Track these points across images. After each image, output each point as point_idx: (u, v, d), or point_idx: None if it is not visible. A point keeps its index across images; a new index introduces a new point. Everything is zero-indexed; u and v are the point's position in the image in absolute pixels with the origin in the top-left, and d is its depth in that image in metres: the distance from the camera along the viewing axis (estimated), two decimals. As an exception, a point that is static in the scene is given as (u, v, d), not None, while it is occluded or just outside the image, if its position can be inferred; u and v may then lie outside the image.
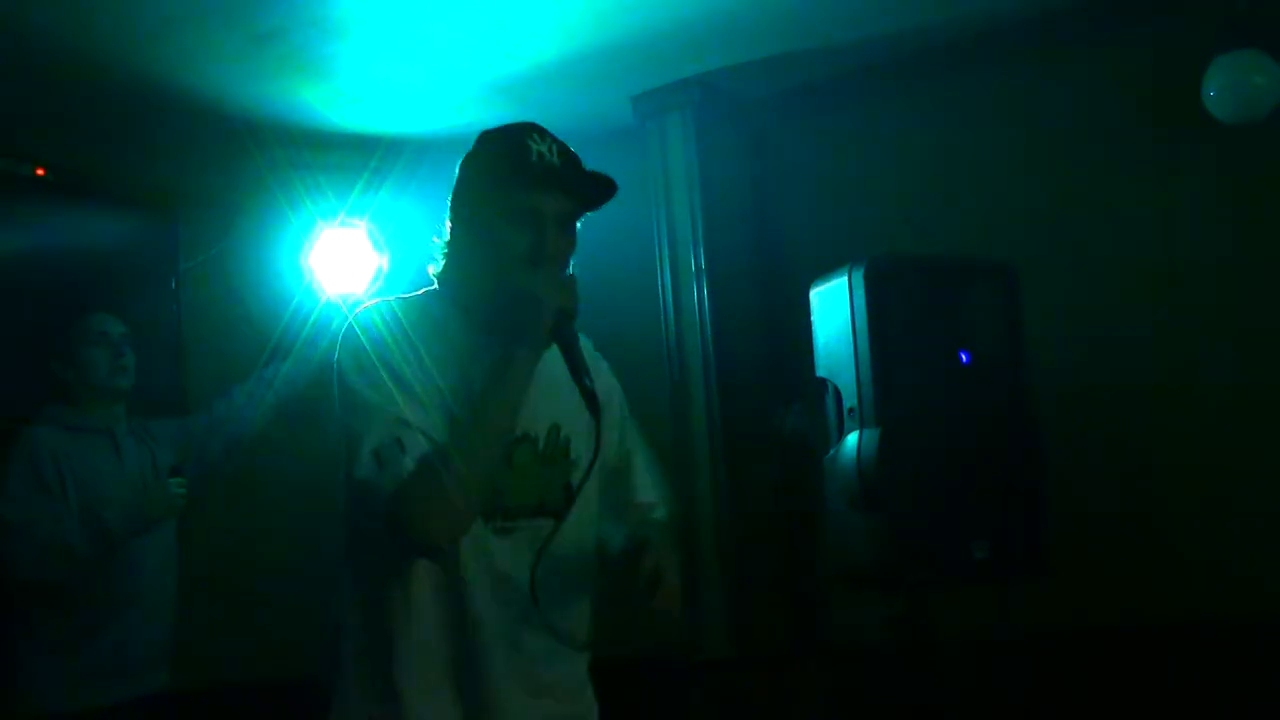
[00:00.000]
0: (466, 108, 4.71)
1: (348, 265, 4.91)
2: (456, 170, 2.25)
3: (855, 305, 3.39)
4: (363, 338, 2.11)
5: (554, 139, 2.19)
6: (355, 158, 4.99)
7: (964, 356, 3.45)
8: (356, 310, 2.17)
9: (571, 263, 2.22)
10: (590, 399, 2.09)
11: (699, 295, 4.62)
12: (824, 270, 3.55)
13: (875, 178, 4.55)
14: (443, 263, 2.26)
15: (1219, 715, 3.76)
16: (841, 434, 3.42)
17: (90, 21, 3.90)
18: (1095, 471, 3.95)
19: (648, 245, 4.72)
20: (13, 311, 4.50)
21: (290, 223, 4.88)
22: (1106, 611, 3.95)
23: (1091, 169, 4.16)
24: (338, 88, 4.48)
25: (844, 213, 4.57)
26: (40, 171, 4.76)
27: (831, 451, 3.44)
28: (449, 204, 2.25)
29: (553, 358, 2.13)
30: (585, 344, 2.23)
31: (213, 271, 5.06)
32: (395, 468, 2.00)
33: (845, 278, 3.43)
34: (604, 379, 2.37)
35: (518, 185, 2.13)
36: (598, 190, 2.18)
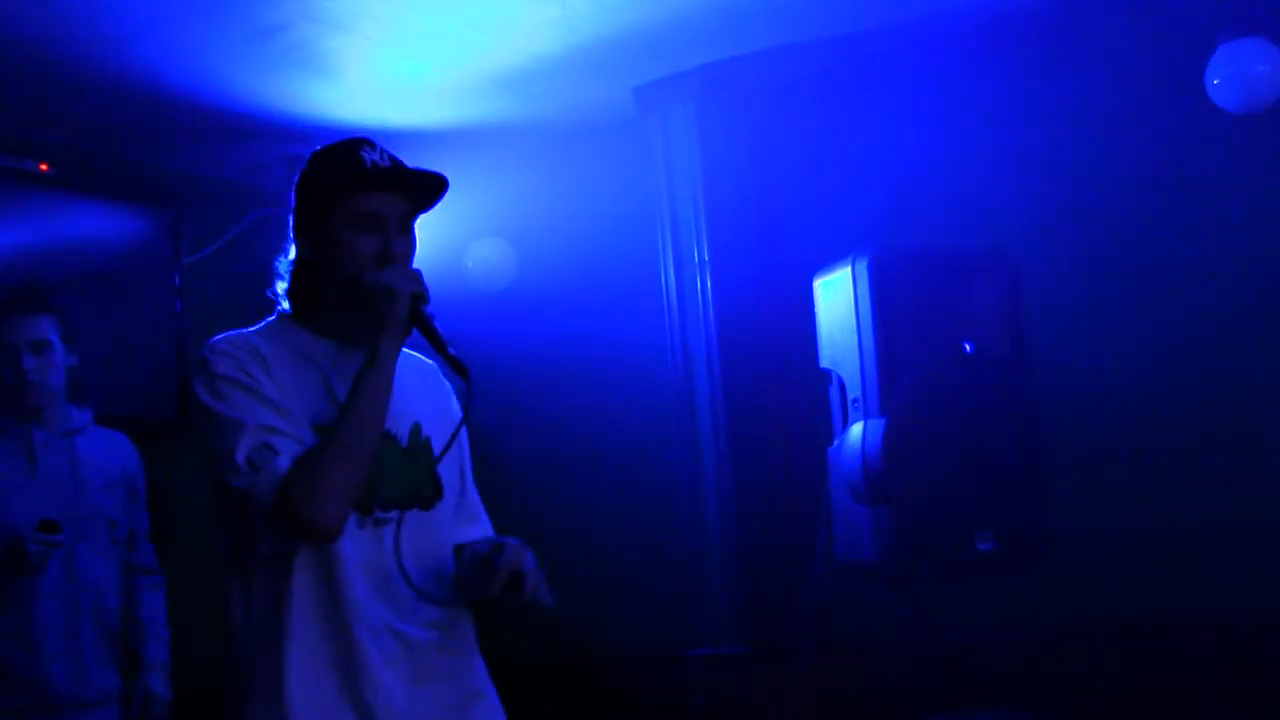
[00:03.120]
0: (469, 100, 4.71)
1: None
2: (294, 191, 2.35)
3: (859, 296, 3.38)
4: (216, 363, 2.21)
5: (383, 148, 2.32)
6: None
7: (968, 347, 3.44)
8: (208, 343, 2.26)
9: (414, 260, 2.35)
10: (457, 365, 2.23)
11: (702, 287, 4.62)
12: (828, 261, 3.54)
13: (879, 169, 4.54)
14: (289, 281, 2.36)
15: (1217, 711, 3.75)
16: (846, 425, 3.41)
17: (93, 16, 3.90)
18: (1097, 465, 3.94)
19: (651, 237, 4.72)
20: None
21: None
22: (1110, 605, 3.95)
23: (1094, 161, 4.15)
24: (340, 82, 4.48)
25: (848, 204, 4.56)
26: (44, 167, 4.77)
27: (836, 442, 3.43)
28: (291, 224, 2.35)
29: (404, 363, 2.29)
30: (434, 368, 2.45)
31: (216, 267, 5.06)
32: (271, 469, 2.12)
33: (849, 269, 3.42)
34: (453, 403, 2.49)
35: (359, 192, 2.26)
36: (432, 189, 2.32)
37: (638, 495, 4.97)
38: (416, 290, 2.24)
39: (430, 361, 2.47)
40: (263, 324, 2.35)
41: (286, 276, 2.36)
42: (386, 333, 2.21)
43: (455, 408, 2.50)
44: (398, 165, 2.30)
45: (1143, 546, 3.91)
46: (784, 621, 4.46)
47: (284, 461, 2.13)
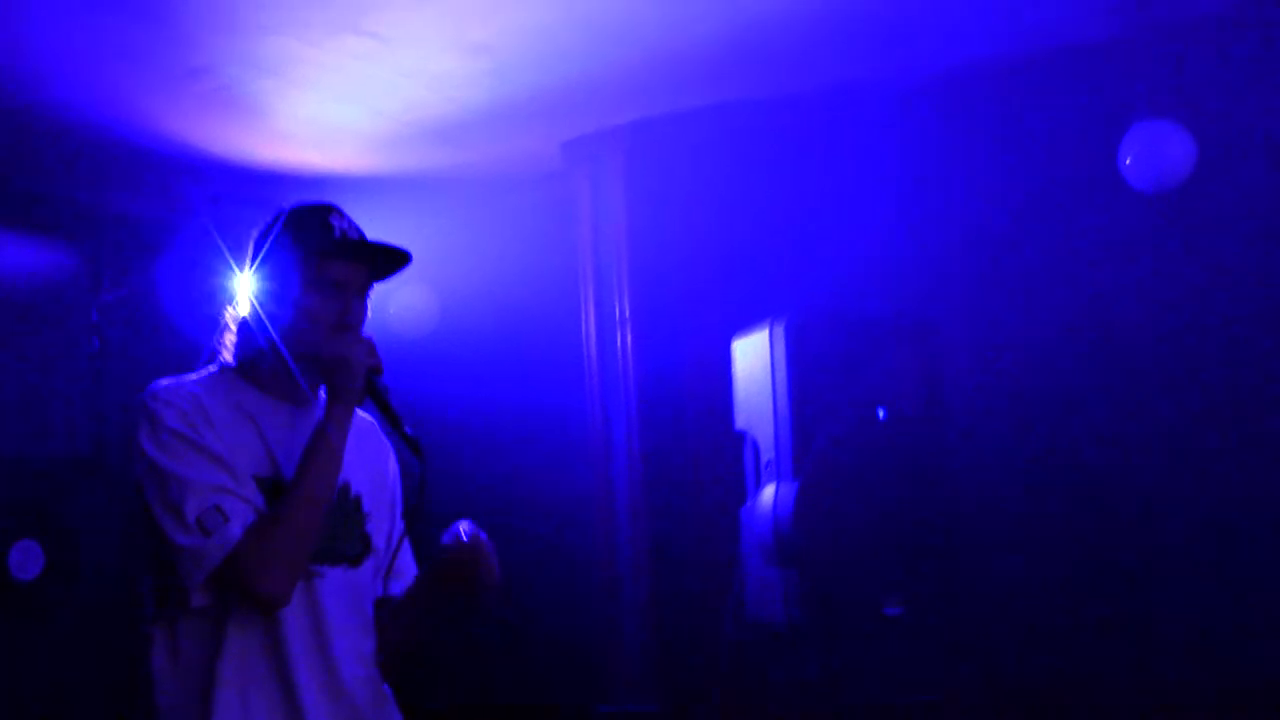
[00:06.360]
0: (397, 148, 4.71)
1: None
2: (254, 246, 2.38)
3: (775, 358, 3.42)
4: (162, 412, 2.21)
5: (350, 218, 2.38)
6: (284, 194, 4.96)
7: (881, 412, 3.47)
8: (150, 390, 2.26)
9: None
10: (413, 445, 2.30)
11: (623, 343, 4.62)
12: (748, 322, 3.57)
13: (803, 230, 4.58)
14: (237, 334, 2.37)
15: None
16: (759, 486, 3.43)
17: (15, 49, 3.86)
18: (1008, 530, 3.98)
19: (574, 292, 4.72)
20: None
21: (215, 258, 4.84)
22: (1017, 667, 3.98)
23: (1012, 225, 4.22)
24: (266, 125, 4.46)
25: (771, 265, 4.59)
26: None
27: (748, 504, 3.45)
28: (250, 278, 2.38)
29: None
30: (372, 424, 2.49)
31: (133, 305, 5.01)
32: (223, 534, 2.13)
33: (767, 330, 3.45)
34: (390, 461, 2.57)
35: (324, 259, 2.30)
36: (393, 262, 2.37)
37: (552, 549, 4.95)
38: (372, 364, 2.29)
39: (369, 417, 2.49)
40: (203, 374, 2.35)
41: (233, 328, 2.37)
42: (340, 403, 2.27)
43: (391, 466, 2.55)
44: (362, 238, 2.35)
45: (1053, 611, 3.95)
46: (695, 679, 4.45)
47: (235, 529, 2.14)
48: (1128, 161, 3.82)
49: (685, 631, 4.53)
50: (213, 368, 2.37)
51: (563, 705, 4.74)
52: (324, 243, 2.30)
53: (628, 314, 4.62)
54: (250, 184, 4.90)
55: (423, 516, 2.40)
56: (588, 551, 4.70)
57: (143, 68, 3.98)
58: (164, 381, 2.28)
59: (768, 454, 3.39)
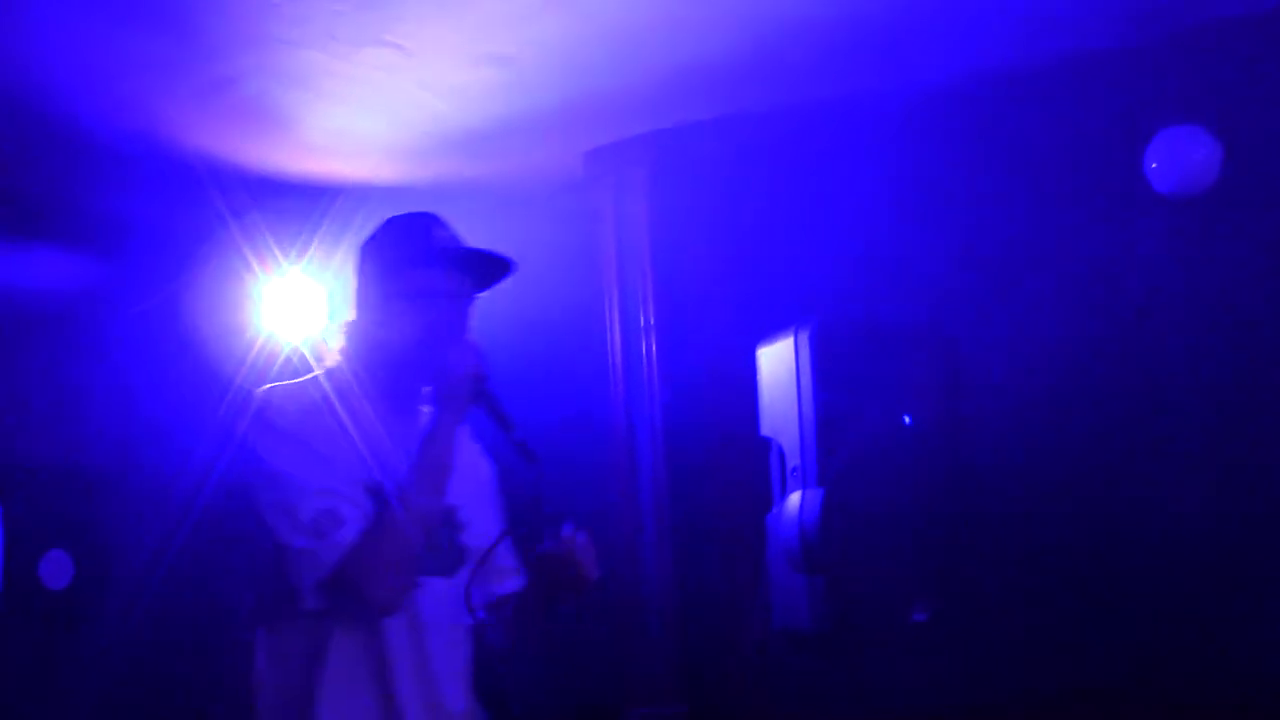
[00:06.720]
0: (420, 159, 4.73)
1: (299, 313, 4.91)
2: (359, 256, 2.42)
3: (800, 366, 3.42)
4: (273, 416, 2.25)
5: (451, 228, 2.41)
6: (309, 205, 4.99)
7: (907, 419, 3.48)
8: (261, 392, 2.30)
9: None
10: (524, 450, 2.32)
11: (647, 351, 4.63)
12: (772, 330, 3.57)
13: (826, 239, 4.59)
14: (346, 342, 2.41)
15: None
16: (785, 493, 3.43)
17: (42, 61, 3.89)
18: (1033, 537, 3.97)
19: (597, 301, 4.74)
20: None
21: (242, 268, 4.87)
22: (1043, 677, 3.97)
23: (1039, 235, 4.22)
24: (292, 136, 4.49)
25: (794, 273, 4.60)
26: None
27: (774, 511, 3.46)
28: (355, 288, 2.42)
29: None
30: (470, 432, 2.49)
31: (161, 317, 5.04)
32: (336, 538, 2.14)
33: (791, 338, 3.46)
34: (484, 463, 2.60)
35: (427, 267, 2.34)
36: (498, 269, 2.40)
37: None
38: (479, 370, 2.31)
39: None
40: (312, 377, 2.39)
41: (343, 336, 2.42)
42: (448, 411, 2.28)
43: (489, 472, 2.57)
44: (464, 245, 2.38)
45: (1079, 618, 3.94)
46: (723, 685, 4.46)
47: (348, 533, 2.16)
48: (1153, 166, 3.82)
49: (712, 637, 4.55)
50: (323, 374, 2.39)
51: (591, 708, 4.75)
52: (426, 251, 2.33)
53: (652, 322, 4.64)
54: (276, 195, 4.93)
55: (535, 521, 2.41)
56: (614, 557, 4.71)
57: (170, 80, 4.02)
58: (274, 385, 2.32)
59: (793, 461, 3.40)
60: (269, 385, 2.31)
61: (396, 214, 2.45)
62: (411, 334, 2.30)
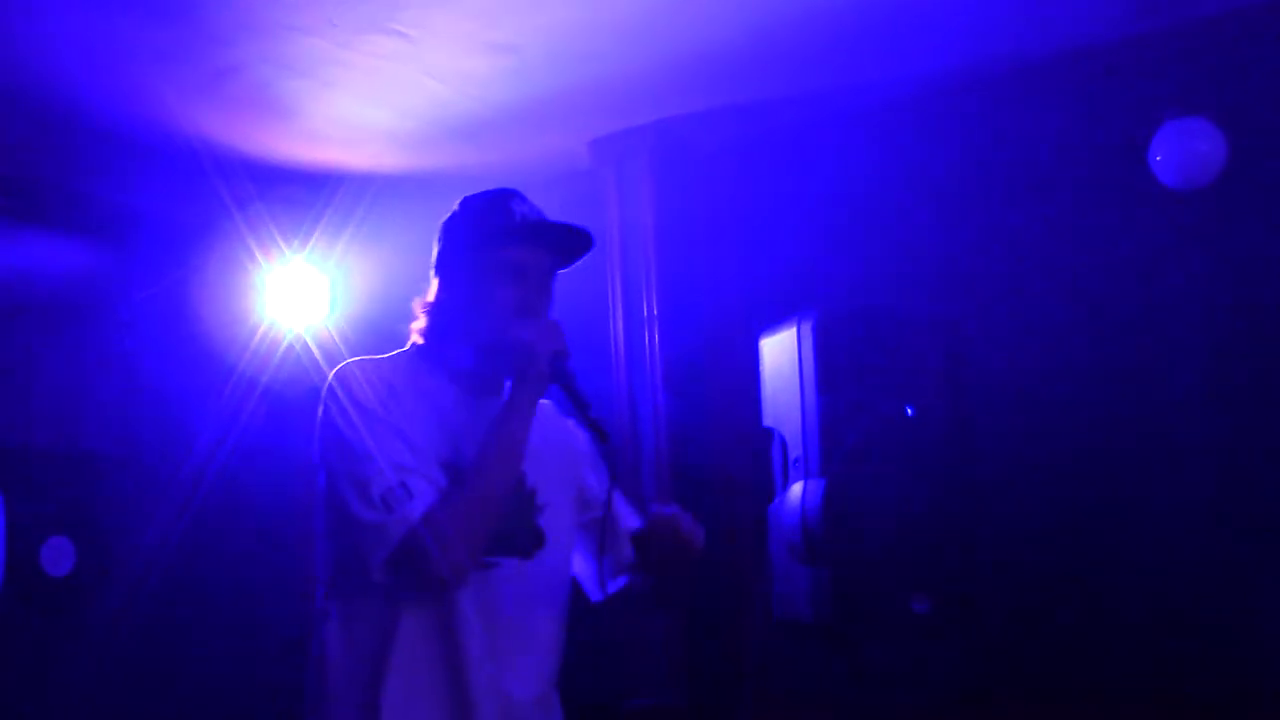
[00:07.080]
0: (425, 147, 4.73)
1: (302, 300, 4.91)
2: (440, 234, 2.39)
3: (803, 356, 3.41)
4: (352, 390, 2.22)
5: (531, 202, 2.36)
6: (312, 193, 4.99)
7: (910, 410, 3.47)
8: (341, 367, 2.28)
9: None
10: (597, 429, 2.28)
11: (650, 341, 4.64)
12: (775, 320, 3.57)
13: (830, 229, 4.58)
14: (426, 321, 2.38)
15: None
16: (787, 483, 3.43)
17: (47, 50, 3.89)
18: (1036, 528, 3.98)
19: (601, 289, 4.74)
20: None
21: (246, 256, 4.87)
22: (1043, 669, 3.97)
23: (1044, 226, 4.21)
24: (296, 124, 4.49)
25: (797, 263, 4.59)
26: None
27: (776, 501, 3.45)
28: (434, 264, 2.39)
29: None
30: (550, 407, 2.42)
31: (165, 303, 5.04)
32: (404, 512, 2.12)
33: (794, 328, 3.45)
34: (574, 440, 2.55)
35: (506, 243, 2.30)
36: (577, 245, 2.36)
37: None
38: (558, 348, 2.27)
39: (547, 401, 2.44)
40: (392, 355, 2.37)
41: (422, 314, 2.39)
42: (525, 388, 2.24)
43: (578, 450, 2.54)
44: (544, 219, 2.34)
45: (1081, 610, 3.94)
46: (724, 675, 4.46)
47: (417, 507, 2.13)
48: (1158, 159, 3.81)
49: (713, 628, 4.55)
50: (403, 351, 2.38)
51: (591, 701, 4.75)
52: (505, 227, 2.30)
53: (655, 311, 4.64)
54: (280, 182, 4.93)
55: (611, 501, 2.41)
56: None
57: (174, 68, 4.02)
58: (354, 360, 2.30)
59: (796, 451, 3.39)
60: (352, 361, 2.30)
61: (474, 192, 2.42)
62: (496, 311, 2.28)
